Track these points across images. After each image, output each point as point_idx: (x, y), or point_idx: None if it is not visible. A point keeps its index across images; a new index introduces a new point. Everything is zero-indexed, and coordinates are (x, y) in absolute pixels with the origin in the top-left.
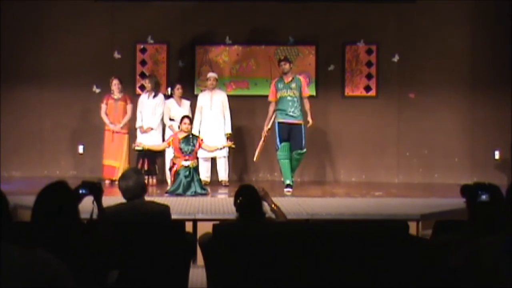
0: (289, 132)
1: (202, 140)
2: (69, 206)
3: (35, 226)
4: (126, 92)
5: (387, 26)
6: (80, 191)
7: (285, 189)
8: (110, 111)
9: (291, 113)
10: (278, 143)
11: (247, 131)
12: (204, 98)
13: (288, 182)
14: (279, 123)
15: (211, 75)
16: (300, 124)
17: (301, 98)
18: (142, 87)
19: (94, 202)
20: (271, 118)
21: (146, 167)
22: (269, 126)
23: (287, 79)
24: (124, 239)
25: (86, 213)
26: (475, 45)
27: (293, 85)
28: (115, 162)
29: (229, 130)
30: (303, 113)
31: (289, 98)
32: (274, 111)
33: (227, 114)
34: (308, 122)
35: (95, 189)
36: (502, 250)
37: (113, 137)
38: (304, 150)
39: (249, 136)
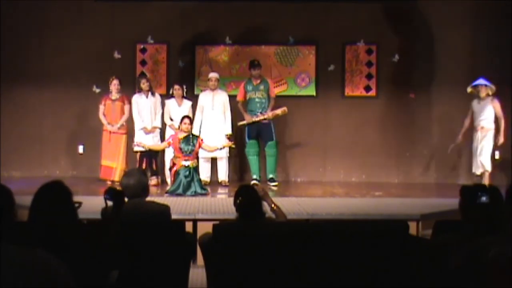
0: (257, 131)
1: (202, 140)
2: (65, 206)
3: (33, 226)
4: (125, 93)
5: (387, 26)
6: (105, 197)
7: (251, 182)
8: (108, 111)
9: (259, 114)
10: (247, 139)
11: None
12: (205, 97)
13: (255, 176)
14: (248, 123)
15: (213, 75)
16: (269, 123)
17: (269, 99)
18: (140, 88)
19: (114, 209)
20: (245, 111)
21: (154, 167)
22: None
23: (256, 81)
24: (124, 239)
25: (85, 213)
26: (475, 45)
27: (261, 87)
28: (112, 162)
29: (229, 131)
30: None
31: (257, 99)
32: (245, 111)
33: (228, 115)
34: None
35: (119, 199)
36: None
37: (110, 138)
38: (274, 140)
39: None
